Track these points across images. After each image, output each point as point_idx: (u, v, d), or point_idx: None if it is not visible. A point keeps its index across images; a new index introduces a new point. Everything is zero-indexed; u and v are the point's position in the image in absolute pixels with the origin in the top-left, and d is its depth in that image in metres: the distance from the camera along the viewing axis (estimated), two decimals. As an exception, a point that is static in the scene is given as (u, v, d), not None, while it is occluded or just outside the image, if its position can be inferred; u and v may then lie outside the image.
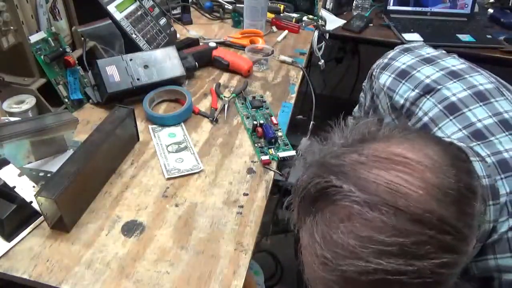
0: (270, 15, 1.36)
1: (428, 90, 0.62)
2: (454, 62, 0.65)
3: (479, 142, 0.53)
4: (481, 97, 0.58)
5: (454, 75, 0.62)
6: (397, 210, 0.35)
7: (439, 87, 0.61)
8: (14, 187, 0.65)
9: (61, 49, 0.86)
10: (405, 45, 0.73)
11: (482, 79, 0.61)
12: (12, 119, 0.76)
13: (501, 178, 0.49)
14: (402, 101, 0.65)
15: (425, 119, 0.61)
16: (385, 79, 0.68)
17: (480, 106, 0.57)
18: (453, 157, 0.41)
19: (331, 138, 0.46)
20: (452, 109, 0.58)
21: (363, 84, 0.86)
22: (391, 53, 0.72)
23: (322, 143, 0.47)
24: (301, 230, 0.44)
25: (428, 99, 0.62)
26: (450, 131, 0.57)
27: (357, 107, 0.93)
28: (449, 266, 0.36)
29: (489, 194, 0.48)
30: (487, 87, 0.59)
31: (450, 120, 0.58)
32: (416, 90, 0.63)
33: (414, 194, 0.36)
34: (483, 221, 0.46)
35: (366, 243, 0.36)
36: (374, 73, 0.73)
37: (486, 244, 0.48)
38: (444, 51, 0.71)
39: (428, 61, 0.66)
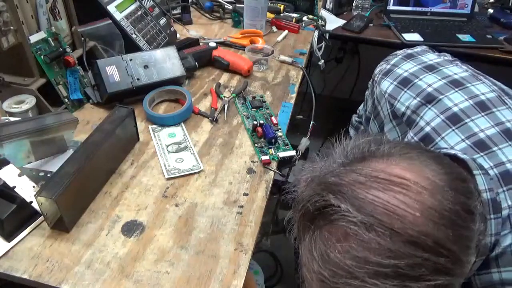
0: (270, 15, 1.36)
1: (429, 100, 0.62)
2: (457, 70, 0.64)
3: (482, 154, 0.53)
4: (482, 107, 0.58)
5: (456, 84, 0.62)
6: (392, 232, 0.36)
7: (440, 96, 0.61)
8: (14, 187, 0.65)
9: (61, 49, 0.86)
10: (408, 51, 0.72)
11: (484, 88, 0.60)
12: (12, 119, 0.76)
13: (504, 191, 0.49)
14: (403, 109, 0.64)
15: (428, 129, 0.60)
16: (387, 85, 0.68)
17: (482, 116, 0.57)
18: (452, 178, 0.41)
19: (332, 154, 0.46)
20: (455, 120, 0.58)
21: (369, 82, 0.86)
22: (394, 59, 0.71)
23: (324, 159, 0.46)
24: (301, 245, 0.44)
25: (429, 108, 0.61)
26: (453, 141, 0.57)
27: (362, 105, 0.93)
28: None
29: (490, 209, 0.47)
30: (488, 96, 0.59)
31: (453, 130, 0.57)
32: (418, 99, 0.63)
33: (411, 216, 0.36)
34: (484, 236, 0.46)
35: (362, 263, 0.36)
36: (376, 79, 0.72)
37: (489, 257, 0.48)
38: (447, 57, 0.70)
39: (431, 68, 0.66)
